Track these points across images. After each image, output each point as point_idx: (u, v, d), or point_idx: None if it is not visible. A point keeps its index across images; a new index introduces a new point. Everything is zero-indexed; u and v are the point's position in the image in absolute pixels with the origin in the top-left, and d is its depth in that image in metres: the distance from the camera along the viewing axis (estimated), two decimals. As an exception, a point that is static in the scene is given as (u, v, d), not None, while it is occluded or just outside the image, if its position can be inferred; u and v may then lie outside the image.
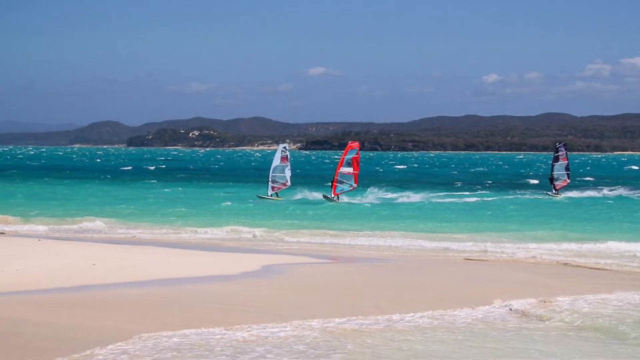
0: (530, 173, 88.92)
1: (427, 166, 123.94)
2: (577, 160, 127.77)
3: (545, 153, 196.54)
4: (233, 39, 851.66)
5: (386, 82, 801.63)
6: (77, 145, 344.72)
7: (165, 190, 51.13)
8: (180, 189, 52.68)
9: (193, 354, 9.52)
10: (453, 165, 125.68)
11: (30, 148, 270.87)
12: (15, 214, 30.71)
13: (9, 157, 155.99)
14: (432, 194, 46.19)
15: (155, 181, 63.24)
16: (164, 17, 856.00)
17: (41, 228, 27.47)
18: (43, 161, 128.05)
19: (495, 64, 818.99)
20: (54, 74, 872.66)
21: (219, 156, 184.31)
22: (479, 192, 52.30)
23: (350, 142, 45.64)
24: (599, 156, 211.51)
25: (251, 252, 21.63)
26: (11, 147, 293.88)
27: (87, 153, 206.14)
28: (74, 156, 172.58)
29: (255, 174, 74.25)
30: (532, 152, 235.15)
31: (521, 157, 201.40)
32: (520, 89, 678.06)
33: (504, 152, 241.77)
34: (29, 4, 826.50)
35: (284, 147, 44.76)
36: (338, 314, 12.02)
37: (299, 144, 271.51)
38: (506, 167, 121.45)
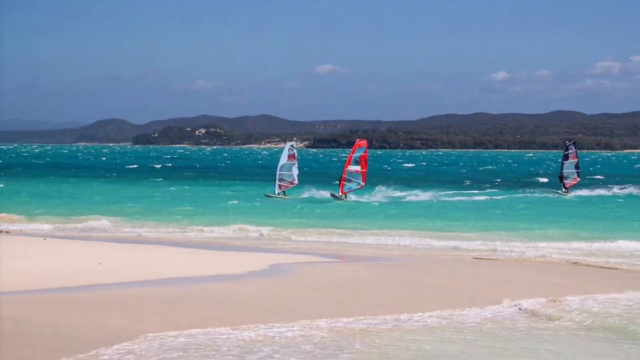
0: (540, 171, 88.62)
1: (435, 164, 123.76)
2: (587, 159, 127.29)
3: (555, 151, 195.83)
4: (240, 36, 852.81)
5: (394, 79, 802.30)
6: (82, 144, 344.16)
7: (172, 188, 50.94)
8: (187, 187, 52.57)
9: (200, 354, 9.43)
10: (462, 164, 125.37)
11: (35, 146, 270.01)
12: (20, 213, 30.63)
13: (13, 155, 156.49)
14: (440, 193, 45.97)
15: (161, 179, 63.19)
16: (170, 15, 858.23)
17: (46, 227, 27.35)
18: (48, 159, 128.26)
19: (505, 61, 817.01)
20: (58, 71, 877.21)
21: (225, 154, 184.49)
22: (488, 190, 52.10)
23: (358, 140, 45.33)
24: (609, 154, 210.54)
25: (258, 251, 21.54)
26: (16, 145, 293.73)
27: (93, 151, 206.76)
28: (79, 154, 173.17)
29: (262, 172, 74.14)
30: (542, 150, 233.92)
31: (530, 155, 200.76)
32: (530, 86, 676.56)
33: (513, 150, 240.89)
34: (33, 1, 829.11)
35: (292, 145, 44.73)
36: (346, 313, 11.91)
37: (306, 142, 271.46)
38: (515, 165, 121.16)
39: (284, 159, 42.70)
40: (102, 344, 9.61)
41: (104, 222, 28.16)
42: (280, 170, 42.45)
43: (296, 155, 43.56)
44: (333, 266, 19.18)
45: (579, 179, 47.50)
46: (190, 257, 19.65)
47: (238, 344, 9.89)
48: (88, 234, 25.92)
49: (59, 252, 19.79)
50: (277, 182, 42.18)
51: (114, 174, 73.96)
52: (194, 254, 20.38)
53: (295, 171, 42.57)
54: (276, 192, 41.93)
